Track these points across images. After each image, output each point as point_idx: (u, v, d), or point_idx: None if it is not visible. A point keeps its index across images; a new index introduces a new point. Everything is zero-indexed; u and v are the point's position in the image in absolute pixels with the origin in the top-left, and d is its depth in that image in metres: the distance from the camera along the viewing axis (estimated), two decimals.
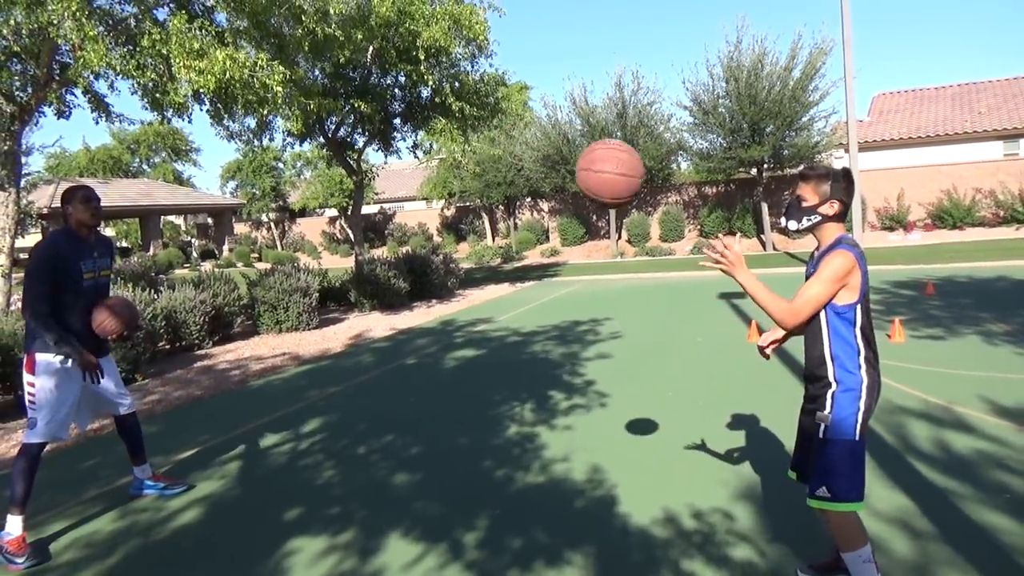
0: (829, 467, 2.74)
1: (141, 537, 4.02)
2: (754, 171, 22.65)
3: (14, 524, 3.79)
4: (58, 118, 9.59)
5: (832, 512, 2.75)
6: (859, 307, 2.69)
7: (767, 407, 5.70)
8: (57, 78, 9.34)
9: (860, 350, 2.71)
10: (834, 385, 2.74)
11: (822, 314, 2.74)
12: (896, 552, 3.30)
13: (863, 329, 2.71)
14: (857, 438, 2.72)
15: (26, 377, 3.95)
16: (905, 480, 4.12)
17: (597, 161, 3.03)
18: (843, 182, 2.78)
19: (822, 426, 2.76)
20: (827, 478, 2.74)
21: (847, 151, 17.04)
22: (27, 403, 3.96)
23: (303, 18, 9.39)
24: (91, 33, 7.76)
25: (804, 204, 2.82)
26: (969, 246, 18.65)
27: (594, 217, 28.41)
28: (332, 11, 9.72)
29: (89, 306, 4.05)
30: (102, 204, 4.29)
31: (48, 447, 4.12)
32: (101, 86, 9.55)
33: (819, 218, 2.79)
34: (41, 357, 3.93)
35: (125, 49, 8.85)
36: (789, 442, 4.59)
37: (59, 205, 4.11)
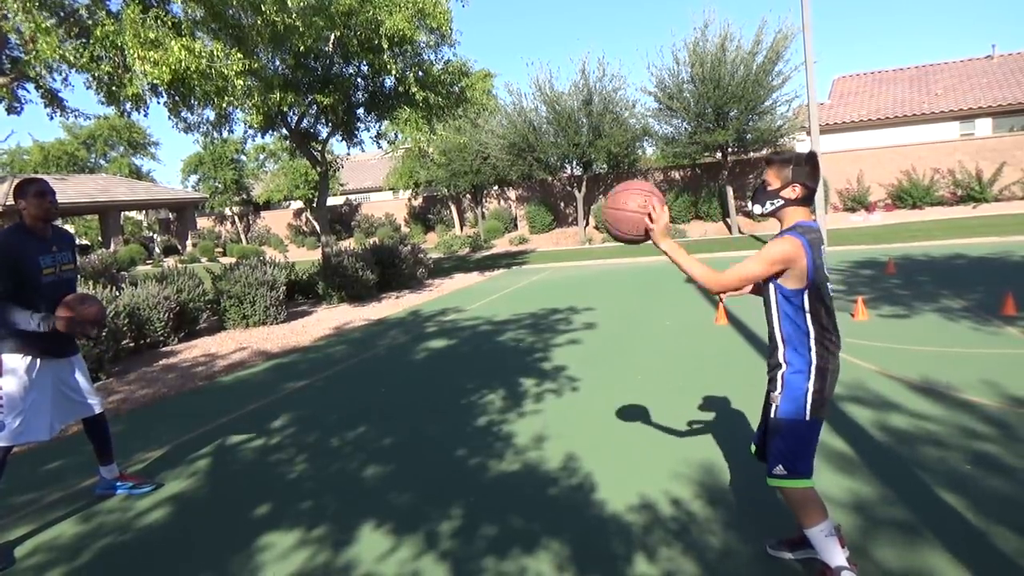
0: (783, 447, 2.82)
1: (109, 538, 3.96)
2: (719, 155, 22.83)
3: None
4: (9, 113, 9.32)
5: (788, 489, 2.83)
6: (807, 293, 2.73)
7: (736, 389, 5.77)
8: (8, 72, 9.07)
9: (810, 332, 2.76)
10: (784, 366, 2.82)
11: (773, 297, 2.82)
12: (861, 525, 3.37)
13: (814, 314, 2.76)
14: (808, 418, 2.78)
15: None
16: (870, 455, 4.20)
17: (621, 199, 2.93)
18: (806, 166, 2.81)
19: (774, 406, 2.85)
20: (782, 457, 2.82)
21: (809, 134, 17.25)
22: None
23: (262, 8, 9.21)
24: (43, 24, 7.54)
25: (768, 188, 2.87)
26: (928, 225, 19.04)
27: (562, 204, 28.46)
28: (290, 2, 9.53)
29: (53, 303, 3.90)
30: (59, 201, 4.18)
31: (15, 448, 4.03)
32: (56, 80, 9.29)
33: (781, 202, 2.84)
34: (8, 359, 3.84)
35: (78, 41, 8.61)
36: (757, 421, 4.67)
37: (11, 201, 3.96)
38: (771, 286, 2.81)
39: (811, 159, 2.84)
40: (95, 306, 3.94)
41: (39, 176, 4.13)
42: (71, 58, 8.06)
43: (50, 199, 3.99)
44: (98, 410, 4.36)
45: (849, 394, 5.40)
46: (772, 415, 2.86)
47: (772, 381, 2.89)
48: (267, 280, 11.63)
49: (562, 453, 4.70)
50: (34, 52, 7.74)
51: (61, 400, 4.17)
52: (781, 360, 2.83)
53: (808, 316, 2.75)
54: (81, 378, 4.27)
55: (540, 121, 24.43)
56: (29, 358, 3.89)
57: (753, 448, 3.17)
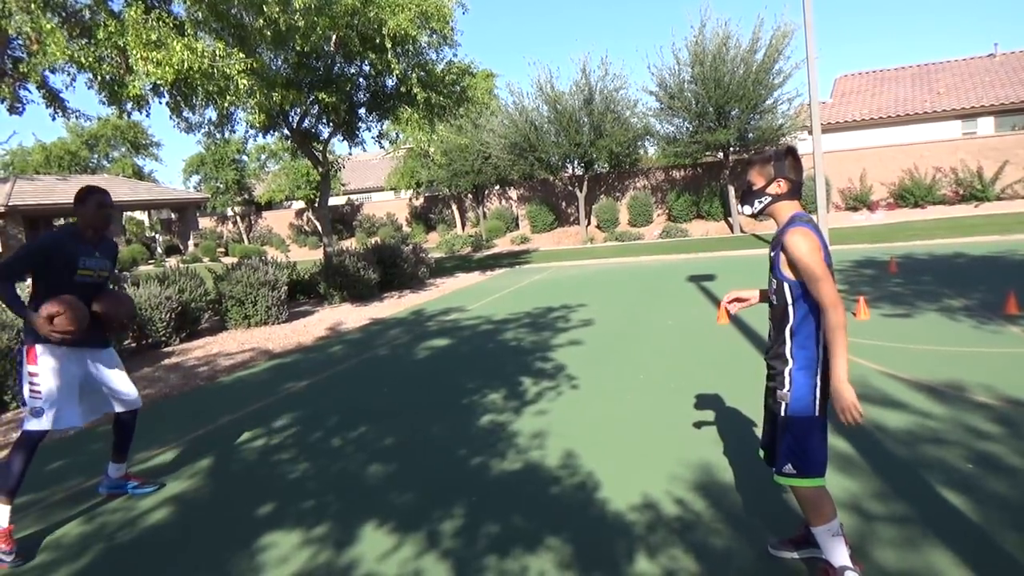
0: (792, 444, 2.81)
1: (113, 537, 3.97)
2: (720, 155, 22.83)
3: (1, 514, 3.79)
4: (10, 114, 9.33)
5: (799, 488, 2.82)
6: None
7: (737, 388, 5.77)
8: (10, 72, 9.08)
9: (820, 325, 2.75)
10: (791, 362, 2.80)
11: (788, 295, 2.79)
12: (862, 524, 3.37)
13: None
14: (817, 414, 2.78)
15: (27, 368, 3.95)
16: (872, 455, 4.20)
17: None
18: (786, 160, 2.84)
19: (783, 404, 2.83)
20: (791, 455, 2.81)
21: (810, 133, 17.23)
22: (30, 394, 3.93)
23: (264, 8, 9.21)
24: (48, 26, 7.55)
25: (754, 188, 2.91)
26: (930, 224, 19.01)
27: (563, 204, 28.46)
28: (295, 2, 9.54)
29: (85, 302, 4.08)
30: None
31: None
32: (56, 81, 9.32)
33: (769, 199, 2.87)
34: (40, 347, 3.94)
35: (82, 42, 8.62)
36: (759, 421, 4.67)
37: (73, 203, 4.21)
38: (785, 284, 2.79)
39: (790, 152, 2.86)
40: (122, 300, 4.35)
41: (102, 187, 4.32)
42: (82, 59, 8.08)
43: (108, 211, 4.22)
44: (134, 406, 4.44)
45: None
46: (782, 413, 2.83)
47: (777, 378, 2.86)
48: (269, 280, 11.64)
49: (564, 452, 4.70)
50: (42, 54, 7.75)
51: (92, 390, 4.25)
52: (788, 357, 2.80)
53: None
54: (117, 371, 4.37)
55: (541, 121, 24.43)
56: (61, 348, 3.99)
57: (762, 452, 3.14)
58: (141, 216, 43.68)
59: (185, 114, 11.10)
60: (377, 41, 11.94)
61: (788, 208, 2.84)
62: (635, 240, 24.44)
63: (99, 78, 8.67)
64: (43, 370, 3.94)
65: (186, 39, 8.22)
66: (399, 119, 14.92)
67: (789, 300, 2.79)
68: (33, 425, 3.92)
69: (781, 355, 2.84)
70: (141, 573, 3.58)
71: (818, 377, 2.76)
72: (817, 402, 2.77)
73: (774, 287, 2.87)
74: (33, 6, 7.41)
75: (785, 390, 2.82)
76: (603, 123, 23.67)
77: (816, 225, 2.76)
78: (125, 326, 4.44)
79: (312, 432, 5.68)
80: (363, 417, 5.97)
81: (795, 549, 3.13)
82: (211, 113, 12.21)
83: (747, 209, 2.96)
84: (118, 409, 4.39)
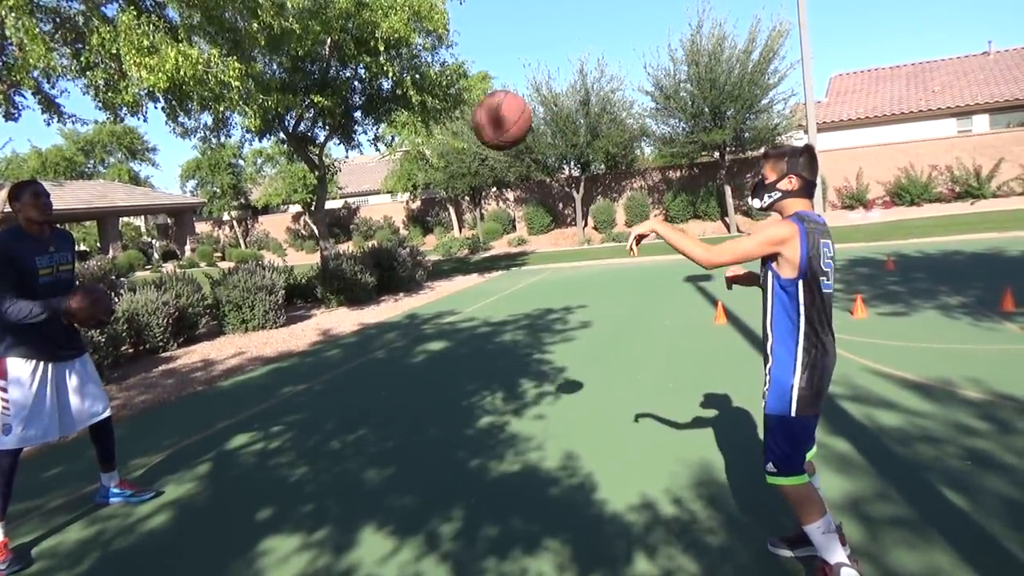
0: (771, 443, 2.82)
1: (110, 545, 3.95)
2: (716, 155, 22.85)
3: None
4: (6, 120, 9.30)
5: (783, 487, 2.82)
6: (801, 283, 2.71)
7: (736, 388, 5.77)
8: (3, 78, 9.06)
9: (801, 326, 2.74)
10: (770, 360, 2.82)
11: (770, 286, 2.81)
12: (860, 523, 3.37)
13: (807, 306, 2.73)
14: (793, 414, 2.75)
15: None
16: (869, 454, 4.20)
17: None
18: (801, 158, 2.82)
19: (763, 402, 2.85)
20: (771, 454, 2.82)
21: (806, 132, 17.25)
22: (0, 409, 3.84)
23: (259, 12, 9.21)
24: (32, 32, 7.52)
25: (766, 182, 2.88)
26: (927, 222, 19.04)
27: (560, 205, 28.47)
28: (289, 4, 9.54)
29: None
30: (57, 207, 4.19)
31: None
32: (50, 87, 9.27)
33: (779, 194, 2.85)
34: (12, 363, 3.84)
35: (73, 48, 8.61)
36: (758, 421, 4.68)
37: (8, 203, 3.99)
38: (769, 274, 2.80)
39: (807, 151, 2.85)
40: (98, 295, 4.06)
41: (31, 179, 4.23)
42: (59, 68, 8.05)
43: (44, 199, 3.97)
44: (106, 414, 4.35)
45: (848, 392, 5.40)
46: (763, 410, 2.86)
47: (764, 377, 2.88)
48: (266, 284, 11.63)
49: (562, 453, 4.69)
50: (23, 59, 7.72)
51: (70, 402, 4.14)
52: (768, 354, 2.82)
53: (801, 308, 2.73)
54: (90, 380, 4.27)
55: (538, 122, 24.41)
56: (33, 361, 3.90)
57: None
58: (137, 221, 43.68)
59: (181, 119, 11.08)
60: (371, 44, 11.94)
61: (796, 206, 2.82)
62: None
63: (92, 84, 8.65)
64: (14, 383, 3.83)
65: (180, 44, 8.20)
66: (395, 122, 14.94)
67: (770, 292, 2.81)
68: (4, 445, 3.82)
69: (765, 352, 2.87)
70: None
71: (796, 378, 2.74)
72: (795, 403, 2.74)
73: (762, 279, 2.88)
74: (20, 11, 7.38)
75: (765, 388, 2.84)
76: (599, 124, 23.68)
77: (810, 230, 2.70)
78: (104, 322, 4.24)
79: (311, 436, 5.67)
80: (361, 420, 5.96)
81: (790, 548, 3.13)
82: (207, 118, 12.19)
83: (756, 202, 2.96)
84: (90, 420, 4.27)
